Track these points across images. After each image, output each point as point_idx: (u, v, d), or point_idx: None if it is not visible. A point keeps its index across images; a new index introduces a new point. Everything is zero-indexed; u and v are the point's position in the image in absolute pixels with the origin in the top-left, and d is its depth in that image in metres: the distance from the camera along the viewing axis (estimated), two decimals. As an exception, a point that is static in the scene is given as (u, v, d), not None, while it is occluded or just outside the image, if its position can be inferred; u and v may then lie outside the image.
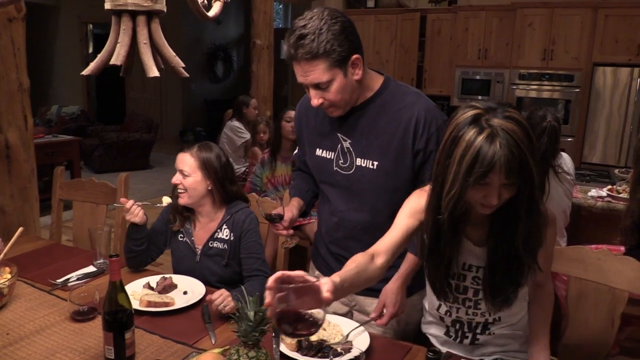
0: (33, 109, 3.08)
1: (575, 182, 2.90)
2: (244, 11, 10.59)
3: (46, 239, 2.61)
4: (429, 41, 6.37)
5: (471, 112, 1.18)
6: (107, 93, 10.92)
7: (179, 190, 2.01)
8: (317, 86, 1.48)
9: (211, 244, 2.03)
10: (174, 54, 0.99)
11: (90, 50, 10.27)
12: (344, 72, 1.47)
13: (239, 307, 1.22)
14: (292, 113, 3.62)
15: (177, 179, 2.00)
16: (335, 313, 1.74)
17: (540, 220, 1.29)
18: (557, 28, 5.41)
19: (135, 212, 1.95)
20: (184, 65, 1.01)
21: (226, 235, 2.03)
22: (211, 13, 1.24)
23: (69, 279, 1.94)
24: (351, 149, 1.61)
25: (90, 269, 2.04)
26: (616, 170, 4.14)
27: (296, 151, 1.92)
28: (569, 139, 5.42)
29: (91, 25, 10.20)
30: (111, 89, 10.53)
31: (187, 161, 1.99)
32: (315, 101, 1.51)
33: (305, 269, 3.34)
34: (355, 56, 1.47)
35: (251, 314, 1.19)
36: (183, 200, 2.01)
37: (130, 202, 1.95)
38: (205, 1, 1.22)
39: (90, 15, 9.53)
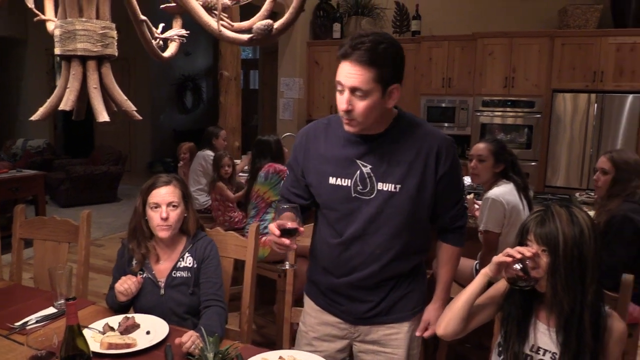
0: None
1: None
2: (213, 42, 10.65)
3: (6, 279, 2.53)
4: (394, 70, 6.49)
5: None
6: (74, 125, 10.75)
7: (165, 225, 1.97)
8: (353, 91, 1.47)
9: (174, 274, 2.02)
10: (125, 97, 0.99)
11: (57, 82, 10.15)
12: (382, 92, 1.48)
13: (199, 348, 1.20)
14: None
15: (166, 212, 1.96)
16: (338, 350, 1.78)
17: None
18: (516, 56, 5.59)
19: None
20: (135, 109, 1.01)
21: (189, 263, 2.03)
22: (167, 54, 1.25)
23: (27, 322, 1.88)
24: (372, 174, 1.60)
25: (51, 310, 1.99)
26: (577, 194, 4.24)
27: (283, 182, 1.88)
28: (533, 163, 5.55)
29: (58, 58, 10.07)
30: (79, 121, 10.30)
31: (174, 192, 1.99)
32: (345, 105, 1.49)
33: (273, 300, 3.30)
34: (396, 85, 1.50)
35: (210, 355, 1.17)
36: (168, 233, 1.98)
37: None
38: (161, 42, 1.22)
39: (57, 48, 9.43)
